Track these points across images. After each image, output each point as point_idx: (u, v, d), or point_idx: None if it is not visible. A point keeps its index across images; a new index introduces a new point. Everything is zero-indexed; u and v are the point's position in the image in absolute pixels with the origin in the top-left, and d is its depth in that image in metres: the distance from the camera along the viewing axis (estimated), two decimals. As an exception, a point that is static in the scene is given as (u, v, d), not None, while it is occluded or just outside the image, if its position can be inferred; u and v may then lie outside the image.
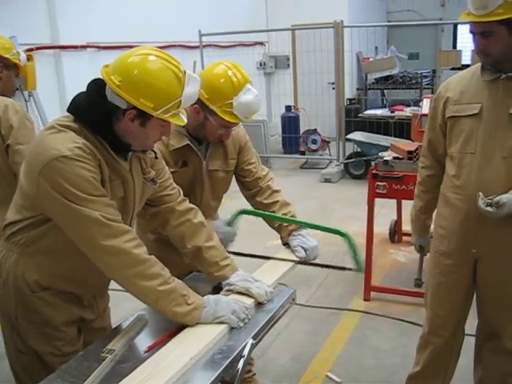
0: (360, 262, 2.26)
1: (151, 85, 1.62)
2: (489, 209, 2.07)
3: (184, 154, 2.28)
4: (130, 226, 1.89)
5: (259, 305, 1.94)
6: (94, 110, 1.68)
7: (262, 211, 2.41)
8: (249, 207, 2.51)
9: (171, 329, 1.76)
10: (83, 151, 1.62)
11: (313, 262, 2.35)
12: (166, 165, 2.20)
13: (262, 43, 10.28)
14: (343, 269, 2.33)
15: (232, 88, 2.12)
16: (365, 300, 4.01)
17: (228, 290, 1.96)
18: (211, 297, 1.83)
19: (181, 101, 1.67)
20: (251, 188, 2.49)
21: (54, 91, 6.02)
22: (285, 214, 2.41)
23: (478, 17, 2.00)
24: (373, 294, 4.04)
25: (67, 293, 1.86)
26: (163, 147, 2.22)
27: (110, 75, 1.64)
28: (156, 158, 1.96)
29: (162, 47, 7.08)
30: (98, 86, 1.70)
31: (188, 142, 2.25)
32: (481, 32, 2.05)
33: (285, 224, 2.39)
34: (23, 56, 3.07)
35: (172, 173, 2.22)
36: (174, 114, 1.68)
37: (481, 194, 2.10)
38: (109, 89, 1.66)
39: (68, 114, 1.72)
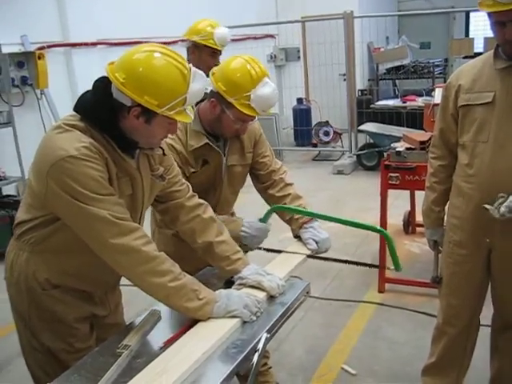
0: (397, 261, 2.22)
1: (156, 82, 1.61)
2: (504, 216, 2.06)
3: (204, 153, 2.27)
4: (140, 223, 1.90)
5: (271, 298, 1.94)
6: (100, 109, 1.67)
7: (294, 207, 2.38)
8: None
9: (187, 323, 1.77)
10: (90, 150, 1.62)
11: (340, 258, 2.33)
12: (187, 165, 2.22)
13: (272, 36, 10.23)
14: (374, 266, 2.31)
15: (250, 80, 2.10)
16: (379, 292, 4.01)
17: (240, 284, 1.96)
18: (223, 291, 1.84)
19: (186, 98, 1.65)
20: (265, 181, 2.48)
21: (65, 89, 6.06)
22: (296, 207, 2.39)
23: (510, 4, 1.92)
24: (387, 285, 4.02)
25: (78, 290, 1.87)
26: (182, 148, 2.22)
27: (114, 72, 1.63)
28: (164, 154, 1.96)
29: (172, 42, 7.03)
30: (103, 84, 1.69)
31: (207, 141, 2.25)
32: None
33: (296, 217, 2.37)
34: (219, 34, 3.39)
35: (193, 173, 2.23)
36: (180, 111, 1.66)
37: (487, 206, 2.08)
38: (114, 86, 1.65)
39: (74, 112, 1.72)
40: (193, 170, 2.25)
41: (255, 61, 2.18)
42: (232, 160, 2.37)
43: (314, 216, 2.36)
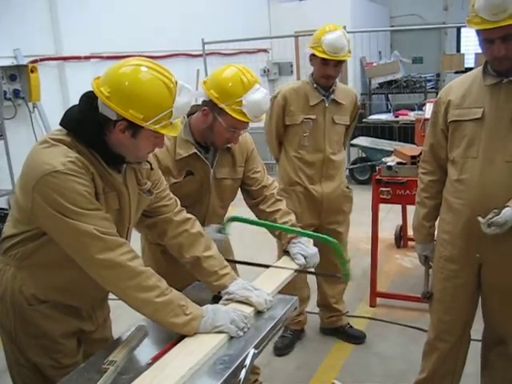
0: (346, 271, 2.24)
1: (140, 95, 1.60)
2: (492, 229, 2.05)
3: (190, 163, 2.27)
4: (127, 238, 1.89)
5: (259, 313, 1.92)
6: (86, 123, 1.67)
7: (251, 219, 2.39)
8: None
9: (175, 339, 1.75)
10: (76, 165, 1.61)
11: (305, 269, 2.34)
12: (170, 175, 2.20)
13: (265, 50, 10.27)
14: (331, 276, 2.29)
15: (242, 86, 2.12)
16: (371, 306, 3.99)
17: (227, 299, 1.94)
18: (210, 306, 1.82)
19: (172, 111, 1.65)
20: (256, 197, 2.48)
21: (58, 102, 6.03)
22: (285, 223, 2.39)
23: (498, 22, 1.93)
24: (379, 300, 4.01)
25: (65, 305, 1.85)
26: (169, 157, 2.22)
27: (99, 87, 1.63)
28: (151, 169, 1.95)
29: (165, 56, 7.05)
30: (90, 98, 1.69)
31: (195, 151, 2.25)
32: (502, 37, 1.99)
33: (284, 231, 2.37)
34: (326, 40, 3.02)
35: (175, 183, 2.22)
36: (166, 125, 1.66)
37: (480, 218, 2.07)
38: (99, 100, 1.65)
39: (61, 127, 1.71)
40: (174, 180, 2.24)
41: (247, 69, 2.21)
42: (222, 173, 2.36)
43: (263, 226, 2.39)
